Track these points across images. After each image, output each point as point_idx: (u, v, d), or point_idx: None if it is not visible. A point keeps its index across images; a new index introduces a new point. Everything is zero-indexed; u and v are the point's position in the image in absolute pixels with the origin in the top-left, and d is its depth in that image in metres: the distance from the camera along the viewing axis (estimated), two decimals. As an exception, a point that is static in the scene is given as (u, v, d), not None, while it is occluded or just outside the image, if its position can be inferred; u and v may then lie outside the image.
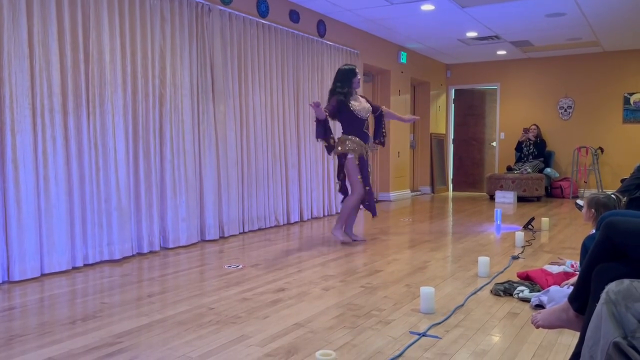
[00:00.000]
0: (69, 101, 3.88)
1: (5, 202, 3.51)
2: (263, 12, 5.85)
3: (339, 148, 4.89)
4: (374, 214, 4.99)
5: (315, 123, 4.88)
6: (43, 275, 3.70)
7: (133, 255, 4.37)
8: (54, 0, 3.75)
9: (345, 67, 4.95)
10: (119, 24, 4.24)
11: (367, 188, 4.86)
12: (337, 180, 5.09)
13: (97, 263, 4.09)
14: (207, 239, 5.09)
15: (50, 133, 3.75)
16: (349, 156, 4.82)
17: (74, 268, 3.92)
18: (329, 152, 5.00)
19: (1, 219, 3.49)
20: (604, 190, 9.02)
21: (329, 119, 4.86)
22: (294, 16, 6.35)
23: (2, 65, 3.46)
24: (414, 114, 10.14)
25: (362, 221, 6.36)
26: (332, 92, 4.90)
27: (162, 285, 3.46)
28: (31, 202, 3.60)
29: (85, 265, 4.01)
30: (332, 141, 4.95)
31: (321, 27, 6.86)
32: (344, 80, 4.87)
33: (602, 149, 9.44)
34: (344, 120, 4.89)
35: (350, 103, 4.84)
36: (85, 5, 3.99)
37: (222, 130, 5.21)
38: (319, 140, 4.96)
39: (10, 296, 3.20)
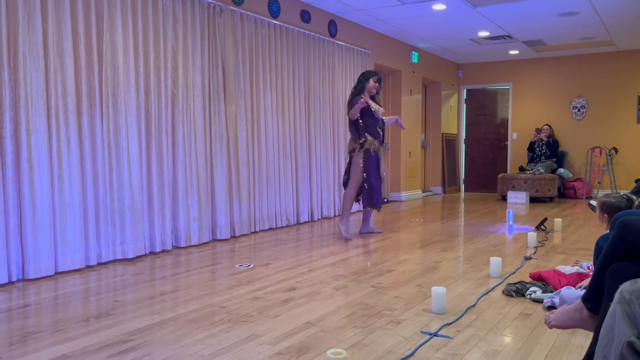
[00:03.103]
0: (83, 102, 3.92)
1: (20, 201, 3.55)
2: (274, 13, 5.87)
3: (350, 144, 5.27)
4: (378, 207, 5.25)
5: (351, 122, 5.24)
6: (57, 273, 3.74)
7: (145, 254, 4.40)
8: (68, 1, 3.79)
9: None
10: (132, 24, 4.27)
11: (370, 183, 5.16)
12: (344, 175, 5.40)
13: (110, 262, 4.12)
14: (218, 238, 5.11)
15: (65, 133, 3.79)
16: (355, 150, 5.18)
17: (88, 266, 3.96)
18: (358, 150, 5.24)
19: (16, 218, 3.54)
20: (617, 190, 8.93)
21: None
22: (305, 16, 6.36)
23: (18, 66, 3.50)
24: (425, 114, 10.15)
25: (373, 218, 6.35)
26: (355, 92, 5.28)
27: (174, 283, 3.48)
28: (46, 201, 3.65)
29: (99, 264, 4.04)
30: (362, 141, 5.19)
31: (332, 27, 6.86)
32: (362, 80, 5.27)
33: (616, 149, 9.34)
34: (362, 118, 5.16)
35: (370, 103, 5.17)
36: (98, 6, 4.03)
37: (233, 131, 5.24)
38: (358, 138, 5.20)
39: (25, 294, 3.24)
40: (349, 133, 5.36)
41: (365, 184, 5.15)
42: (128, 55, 4.23)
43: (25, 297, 3.17)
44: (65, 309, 2.93)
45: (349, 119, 5.19)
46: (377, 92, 5.31)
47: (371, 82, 5.21)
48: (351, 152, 5.22)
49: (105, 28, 4.06)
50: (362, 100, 4.95)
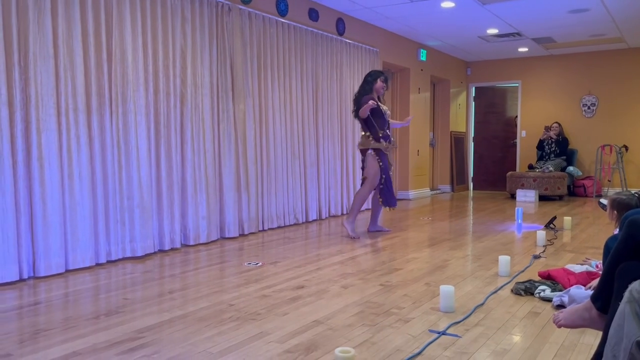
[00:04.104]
0: (93, 100, 3.95)
1: (31, 199, 3.59)
2: (282, 11, 5.87)
3: (363, 144, 5.23)
4: (393, 205, 5.27)
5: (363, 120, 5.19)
6: (67, 271, 3.77)
7: (155, 252, 4.43)
8: (78, 1, 3.81)
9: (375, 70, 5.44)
10: (141, 24, 4.30)
11: (383, 183, 5.19)
12: (362, 175, 5.37)
13: (119, 260, 4.15)
14: (227, 236, 5.13)
15: (75, 132, 3.82)
16: (369, 152, 5.15)
17: (97, 264, 3.99)
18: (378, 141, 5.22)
19: (27, 216, 3.57)
20: (628, 189, 8.86)
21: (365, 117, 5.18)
22: (313, 14, 6.36)
23: (28, 65, 3.53)
24: (433, 112, 10.12)
25: (381, 217, 6.34)
26: (363, 92, 5.22)
27: (183, 281, 3.50)
28: (56, 199, 3.68)
29: (108, 262, 4.07)
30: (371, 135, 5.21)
31: (340, 26, 6.85)
32: (370, 80, 5.24)
33: (626, 147, 9.26)
34: (373, 118, 5.14)
35: (379, 104, 5.18)
36: (108, 6, 4.05)
37: (241, 129, 5.25)
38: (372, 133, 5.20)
39: (36, 291, 3.28)
40: (357, 131, 5.38)
41: (382, 184, 5.17)
42: (137, 55, 4.25)
43: (36, 295, 3.20)
44: (75, 306, 2.96)
45: (360, 119, 5.16)
46: (384, 93, 5.33)
47: (379, 83, 5.20)
48: (364, 152, 5.21)
49: (115, 27, 4.08)
50: (371, 102, 4.92)
